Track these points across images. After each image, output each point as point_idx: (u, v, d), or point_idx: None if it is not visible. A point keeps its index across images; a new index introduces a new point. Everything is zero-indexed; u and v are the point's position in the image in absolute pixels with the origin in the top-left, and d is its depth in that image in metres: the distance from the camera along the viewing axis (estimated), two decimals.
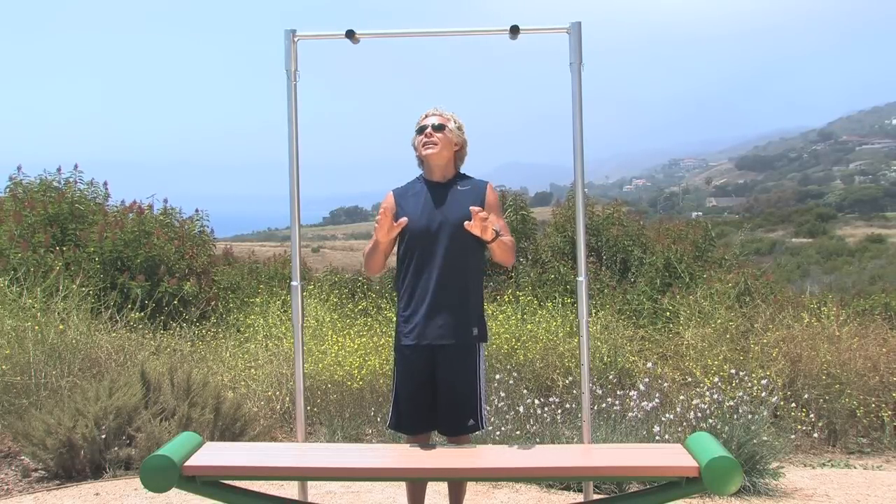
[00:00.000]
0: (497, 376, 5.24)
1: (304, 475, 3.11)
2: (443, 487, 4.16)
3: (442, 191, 3.18)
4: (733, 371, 5.30)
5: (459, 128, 3.23)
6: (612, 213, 10.24)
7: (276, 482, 4.29)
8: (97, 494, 4.30)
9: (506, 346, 5.88)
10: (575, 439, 4.59)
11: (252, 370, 6.13)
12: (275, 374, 5.97)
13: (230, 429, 4.92)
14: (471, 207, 2.99)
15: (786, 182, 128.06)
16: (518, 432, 4.82)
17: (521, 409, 4.92)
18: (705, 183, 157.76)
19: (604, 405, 4.82)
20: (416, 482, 3.30)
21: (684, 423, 4.72)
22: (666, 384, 5.45)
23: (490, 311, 6.42)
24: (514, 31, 3.18)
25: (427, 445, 3.09)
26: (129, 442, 4.69)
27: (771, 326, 6.31)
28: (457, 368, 3.11)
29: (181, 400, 4.86)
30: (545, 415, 4.89)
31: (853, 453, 5.38)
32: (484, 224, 2.96)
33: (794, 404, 5.47)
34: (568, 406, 4.92)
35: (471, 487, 4.13)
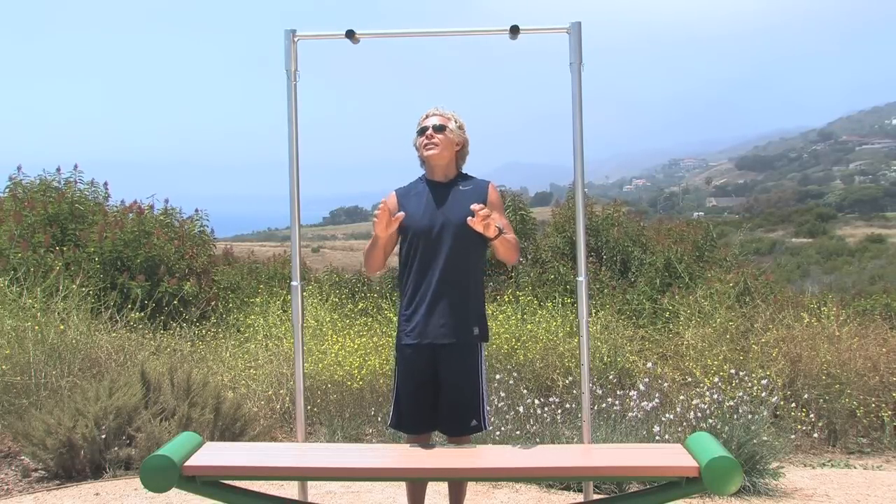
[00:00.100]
0: (497, 376, 5.24)
1: (304, 475, 3.11)
2: (443, 487, 4.16)
3: (444, 191, 3.18)
4: (733, 371, 5.30)
5: (460, 127, 3.23)
6: (612, 214, 10.23)
7: (276, 482, 4.29)
8: (97, 494, 4.30)
9: (506, 346, 5.88)
10: (575, 439, 4.59)
11: (252, 370, 6.13)
12: (275, 374, 5.97)
13: (230, 429, 4.92)
14: (472, 206, 2.99)
15: (786, 182, 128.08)
16: (518, 432, 4.82)
17: (521, 409, 4.92)
18: (705, 183, 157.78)
19: (604, 405, 4.82)
20: (416, 482, 3.30)
21: (684, 423, 4.72)
22: (666, 384, 5.45)
23: (490, 311, 6.42)
24: (514, 31, 3.18)
25: (427, 445, 3.09)
26: (129, 442, 4.69)
27: (771, 326, 6.31)
28: (458, 368, 3.11)
29: (181, 400, 4.86)
30: (545, 415, 4.89)
31: (853, 453, 5.38)
32: (486, 221, 2.96)
33: (794, 404, 5.47)
34: (568, 406, 4.92)
35: (471, 487, 4.13)
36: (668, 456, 2.88)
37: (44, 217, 8.08)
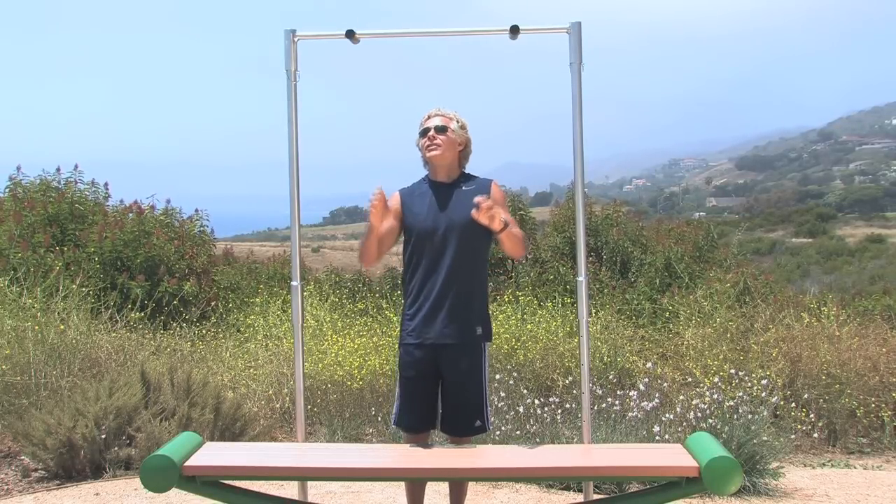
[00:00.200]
0: (497, 376, 5.24)
1: (304, 475, 3.11)
2: (443, 487, 4.16)
3: (447, 191, 3.18)
4: (733, 371, 5.30)
5: (462, 127, 3.23)
6: (612, 214, 10.24)
7: (276, 482, 4.29)
8: (97, 494, 4.30)
9: (506, 346, 5.88)
10: (575, 439, 4.59)
11: (252, 370, 6.13)
12: (275, 374, 5.97)
13: (230, 429, 4.92)
14: (475, 198, 2.96)
15: (786, 182, 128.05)
16: (518, 432, 4.82)
17: (521, 409, 4.92)
18: (705, 183, 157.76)
19: (604, 405, 4.82)
20: (416, 482, 3.30)
21: (684, 423, 4.72)
22: (666, 384, 5.45)
23: (490, 311, 6.41)
24: (514, 31, 3.18)
25: (427, 445, 3.09)
26: (129, 442, 4.68)
27: (771, 326, 6.31)
28: (462, 368, 3.11)
29: (181, 400, 4.86)
30: (545, 415, 4.89)
31: (853, 453, 5.38)
32: (490, 213, 2.94)
33: (794, 404, 5.47)
34: (568, 406, 4.92)
35: (471, 487, 4.13)
36: (668, 456, 2.88)
37: (44, 217, 8.08)
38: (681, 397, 5.01)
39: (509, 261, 9.49)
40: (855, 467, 5.02)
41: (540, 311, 6.66)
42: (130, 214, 8.56)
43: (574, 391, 5.20)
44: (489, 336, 3.21)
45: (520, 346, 5.96)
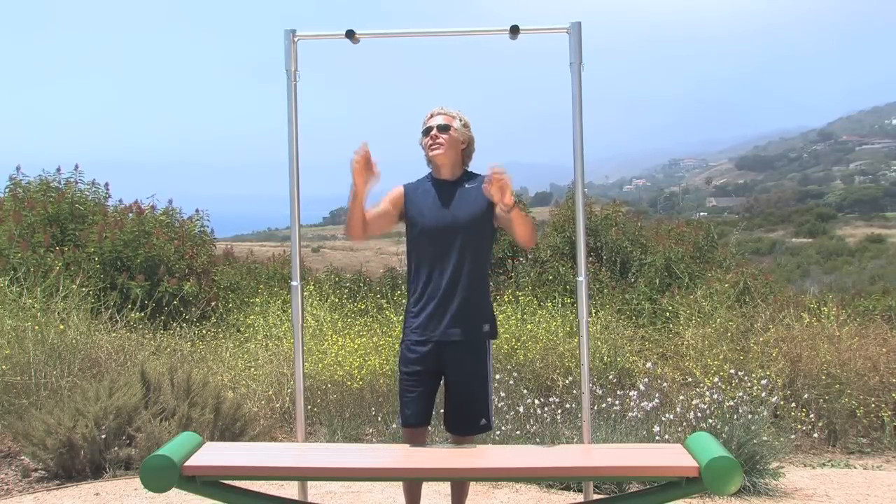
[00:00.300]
0: (497, 376, 5.24)
1: (304, 475, 3.11)
2: (442, 487, 4.16)
3: (451, 189, 3.19)
4: (733, 371, 5.30)
5: (465, 125, 3.23)
6: (611, 214, 10.24)
7: (276, 482, 4.29)
8: (97, 494, 4.30)
9: (506, 346, 5.88)
10: (575, 439, 4.59)
11: (252, 370, 6.13)
12: (275, 374, 5.97)
13: (230, 429, 4.92)
14: (488, 166, 2.94)
15: (786, 182, 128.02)
16: (518, 432, 4.82)
17: (521, 409, 4.92)
18: (705, 183, 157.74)
19: (604, 405, 4.82)
20: (414, 481, 3.30)
21: (684, 423, 4.72)
22: (665, 384, 5.45)
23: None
24: (514, 31, 3.18)
25: (427, 445, 3.09)
26: (129, 442, 4.68)
27: (771, 326, 6.31)
28: (468, 366, 3.11)
29: (181, 400, 4.86)
30: (545, 415, 4.88)
31: (853, 453, 5.38)
32: (502, 182, 2.91)
33: (794, 404, 5.47)
34: (568, 406, 4.92)
35: (471, 487, 4.12)
36: (668, 456, 2.88)
37: (44, 217, 8.08)
38: (681, 397, 5.01)
39: (509, 260, 9.48)
40: (855, 467, 5.02)
41: (540, 311, 6.66)
42: (130, 214, 8.56)
43: (574, 391, 5.20)
44: (495, 333, 3.21)
45: (520, 346, 5.95)
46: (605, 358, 5.96)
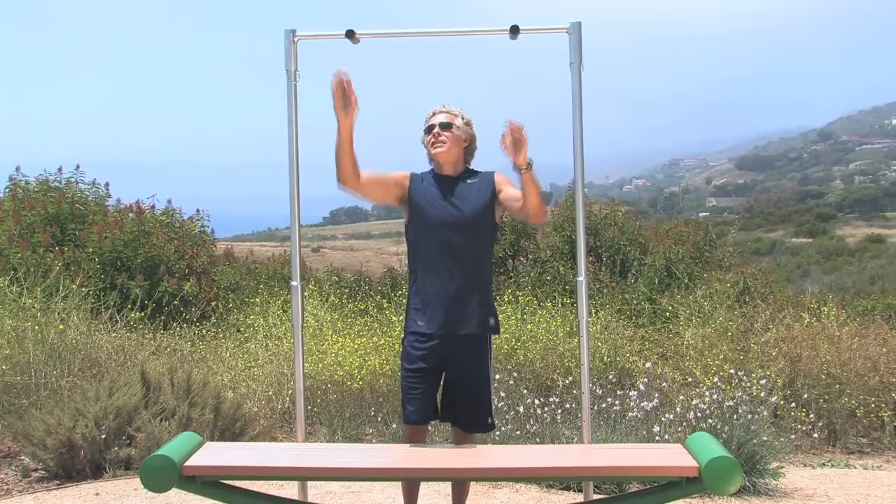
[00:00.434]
0: (497, 376, 5.24)
1: (304, 475, 3.11)
2: (443, 487, 4.16)
3: (453, 183, 3.19)
4: (733, 371, 5.30)
5: (468, 123, 3.24)
6: (610, 213, 10.25)
7: (276, 482, 4.29)
8: (97, 494, 4.30)
9: (506, 346, 5.88)
10: (575, 439, 4.59)
11: (252, 370, 6.13)
12: (275, 374, 5.97)
13: (230, 429, 4.92)
14: (506, 122, 2.93)
15: (786, 182, 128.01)
16: (518, 432, 4.82)
17: (521, 409, 4.92)
18: (705, 183, 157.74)
19: (604, 405, 4.82)
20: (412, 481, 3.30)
21: (684, 423, 4.72)
22: (665, 384, 5.45)
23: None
24: (514, 31, 3.18)
25: (427, 445, 3.09)
26: (129, 442, 4.68)
27: (771, 326, 6.32)
28: (471, 362, 3.12)
29: (181, 400, 4.86)
30: (545, 415, 4.89)
31: (853, 453, 5.38)
32: (519, 136, 2.91)
33: (794, 404, 5.47)
34: (568, 406, 4.92)
35: (471, 487, 4.13)
36: (668, 456, 2.88)
37: (44, 217, 8.08)
38: (681, 397, 5.01)
39: (509, 260, 9.48)
40: (855, 467, 5.02)
41: (540, 311, 6.66)
42: (130, 214, 8.56)
43: (574, 391, 5.20)
44: (497, 328, 3.21)
45: (520, 346, 5.96)
46: (605, 358, 5.96)
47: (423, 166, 3.32)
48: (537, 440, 4.74)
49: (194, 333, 7.07)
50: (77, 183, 8.86)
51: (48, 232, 7.84)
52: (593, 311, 7.04)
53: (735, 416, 4.58)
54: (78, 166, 8.95)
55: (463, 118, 3.23)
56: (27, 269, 6.96)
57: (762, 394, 4.98)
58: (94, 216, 8.39)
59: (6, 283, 6.22)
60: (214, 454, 2.94)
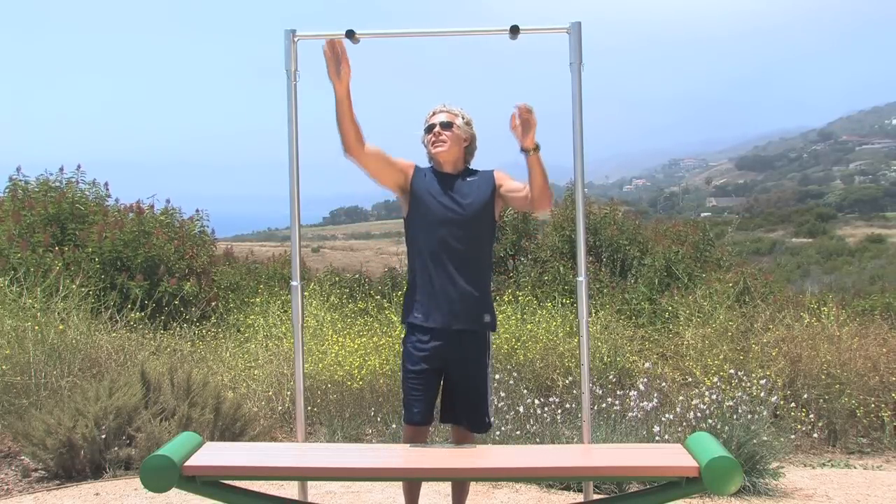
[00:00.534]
0: (497, 376, 5.24)
1: (304, 475, 3.11)
2: (443, 487, 4.16)
3: (453, 180, 3.20)
4: (733, 371, 5.30)
5: (468, 123, 3.24)
6: (609, 213, 10.27)
7: (276, 482, 4.29)
8: (97, 494, 4.30)
9: (506, 346, 5.88)
10: (575, 439, 4.59)
11: (252, 370, 6.13)
12: (275, 374, 5.97)
13: (230, 429, 4.91)
14: (515, 105, 2.96)
15: (786, 182, 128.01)
16: (518, 432, 4.82)
17: (521, 409, 4.92)
18: (705, 183, 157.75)
19: (604, 405, 4.82)
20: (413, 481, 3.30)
21: (684, 423, 4.72)
22: (665, 384, 5.45)
23: (495, 311, 6.42)
24: (514, 31, 3.18)
25: (427, 445, 3.09)
26: (129, 442, 4.68)
27: (771, 326, 6.32)
28: (471, 357, 3.12)
29: (181, 400, 4.86)
30: (545, 415, 4.89)
31: (853, 453, 5.38)
32: (528, 117, 2.94)
33: (794, 404, 5.47)
34: (568, 406, 4.92)
35: (471, 487, 4.12)
36: (668, 456, 2.88)
37: (44, 217, 8.09)
38: (680, 397, 5.01)
39: (509, 260, 9.49)
40: (855, 467, 5.02)
41: (540, 311, 6.66)
42: (130, 214, 8.56)
43: (574, 391, 5.20)
44: (495, 325, 3.21)
45: (520, 346, 5.96)
46: (605, 358, 5.96)
47: (424, 164, 3.32)
48: (537, 440, 4.74)
49: (194, 333, 7.07)
50: (77, 183, 8.87)
51: (48, 232, 7.84)
52: (593, 311, 7.04)
53: (735, 416, 4.58)
54: (79, 166, 8.96)
55: (463, 118, 3.23)
56: (27, 269, 6.96)
57: (762, 394, 4.98)
58: (94, 216, 8.39)
59: (6, 283, 6.22)
60: (214, 454, 2.94)
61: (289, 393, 5.74)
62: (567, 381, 5.44)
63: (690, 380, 5.62)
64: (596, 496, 3.60)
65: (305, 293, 6.78)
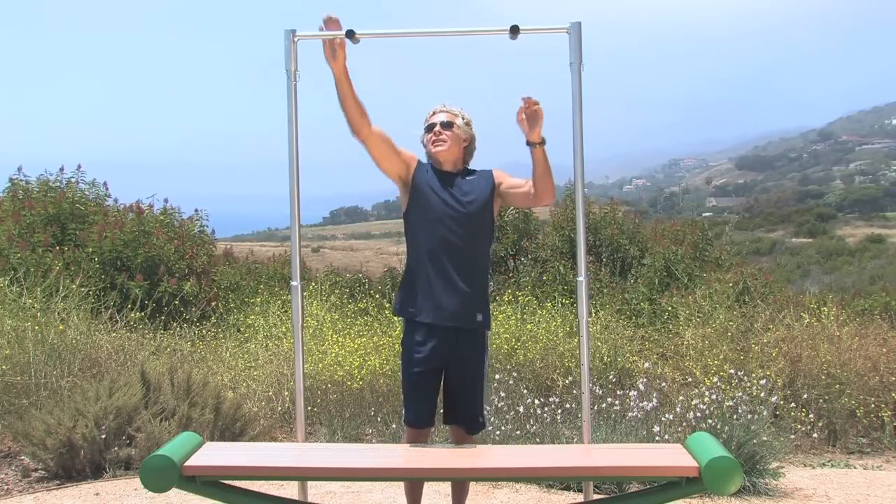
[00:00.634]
0: (497, 376, 5.24)
1: (304, 475, 3.11)
2: (442, 487, 4.16)
3: (453, 178, 3.20)
4: (733, 371, 5.31)
5: (468, 124, 3.25)
6: (610, 212, 10.28)
7: (276, 482, 4.29)
8: (97, 494, 4.30)
9: (506, 346, 5.88)
10: (575, 439, 4.59)
11: (252, 370, 6.13)
12: (275, 374, 5.97)
13: (230, 429, 4.92)
14: (521, 98, 2.99)
15: (786, 182, 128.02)
16: (518, 432, 4.82)
17: (521, 409, 4.92)
18: (705, 183, 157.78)
19: (604, 405, 4.82)
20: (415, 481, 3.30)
21: (684, 423, 4.72)
22: (665, 384, 5.45)
23: (490, 311, 6.42)
24: (514, 31, 3.18)
25: (427, 445, 3.09)
26: (129, 442, 4.68)
27: (771, 326, 6.32)
28: (468, 358, 3.12)
29: (181, 400, 4.86)
30: (545, 415, 4.89)
31: (853, 453, 5.38)
32: (535, 110, 2.96)
33: (793, 404, 5.47)
34: (568, 406, 4.92)
35: (471, 487, 4.12)
36: (668, 456, 2.88)
37: (44, 217, 8.09)
38: (680, 397, 5.01)
39: (510, 260, 9.49)
40: (855, 467, 5.02)
41: (540, 311, 6.66)
42: (130, 214, 8.57)
43: (574, 391, 5.20)
44: (489, 324, 3.22)
45: (520, 346, 5.96)
46: (605, 358, 5.96)
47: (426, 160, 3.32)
48: (537, 440, 4.74)
49: (194, 333, 7.07)
50: (77, 183, 8.87)
51: (48, 232, 7.84)
52: (593, 311, 7.04)
53: (735, 416, 4.58)
54: (79, 166, 8.96)
55: (463, 118, 3.24)
56: (27, 269, 6.96)
57: (762, 394, 4.98)
58: (94, 216, 8.39)
59: (6, 283, 6.22)
60: (214, 454, 2.94)
61: (289, 393, 5.74)
62: (567, 381, 5.44)
63: (690, 380, 5.62)
64: (596, 496, 3.60)
65: (305, 293, 6.78)
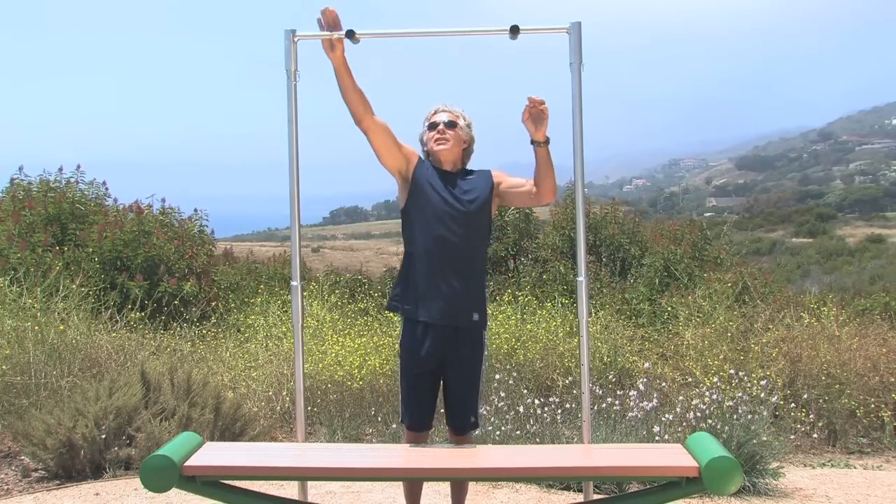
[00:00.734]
0: (497, 376, 5.24)
1: (304, 475, 3.11)
2: (442, 487, 4.16)
3: (453, 177, 3.20)
4: (733, 371, 5.31)
5: (468, 125, 3.26)
6: (610, 211, 10.29)
7: (276, 482, 4.29)
8: (97, 494, 4.30)
9: (506, 346, 5.88)
10: (575, 439, 4.59)
11: (252, 370, 6.13)
12: (275, 374, 5.97)
13: (230, 429, 4.92)
14: (527, 97, 3.02)
15: (786, 182, 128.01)
16: (518, 432, 4.82)
17: (521, 409, 4.92)
18: (705, 183, 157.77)
19: (604, 405, 4.82)
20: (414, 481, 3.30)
21: (684, 423, 4.72)
22: (665, 384, 5.46)
23: (490, 311, 6.42)
24: (514, 31, 3.18)
25: (427, 445, 3.09)
26: (129, 442, 4.69)
27: (771, 326, 6.32)
28: (465, 358, 3.12)
29: (181, 400, 4.86)
30: (545, 415, 4.89)
31: (853, 453, 5.38)
32: (542, 109, 2.99)
33: (793, 404, 5.47)
34: (568, 406, 4.92)
35: (471, 487, 4.13)
36: (668, 456, 2.88)
37: (44, 217, 8.09)
38: (680, 397, 5.01)
39: (510, 260, 9.49)
40: (855, 467, 5.02)
41: (540, 311, 6.66)
42: (130, 214, 8.57)
43: (574, 391, 5.20)
44: (485, 323, 3.22)
45: (520, 346, 5.96)
46: (605, 358, 5.96)
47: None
48: (537, 440, 4.74)
49: (194, 333, 7.07)
50: (77, 183, 8.87)
51: (48, 232, 7.84)
52: (593, 311, 7.04)
53: (735, 416, 4.58)
54: (79, 166, 8.97)
55: (464, 119, 3.25)
56: (27, 269, 6.96)
57: (762, 394, 4.98)
58: (93, 216, 8.40)
59: (6, 283, 6.22)
60: (214, 454, 2.94)
61: (288, 393, 5.74)
62: (567, 381, 5.44)
63: (690, 380, 5.62)
64: (596, 496, 3.60)
65: (305, 293, 6.79)
